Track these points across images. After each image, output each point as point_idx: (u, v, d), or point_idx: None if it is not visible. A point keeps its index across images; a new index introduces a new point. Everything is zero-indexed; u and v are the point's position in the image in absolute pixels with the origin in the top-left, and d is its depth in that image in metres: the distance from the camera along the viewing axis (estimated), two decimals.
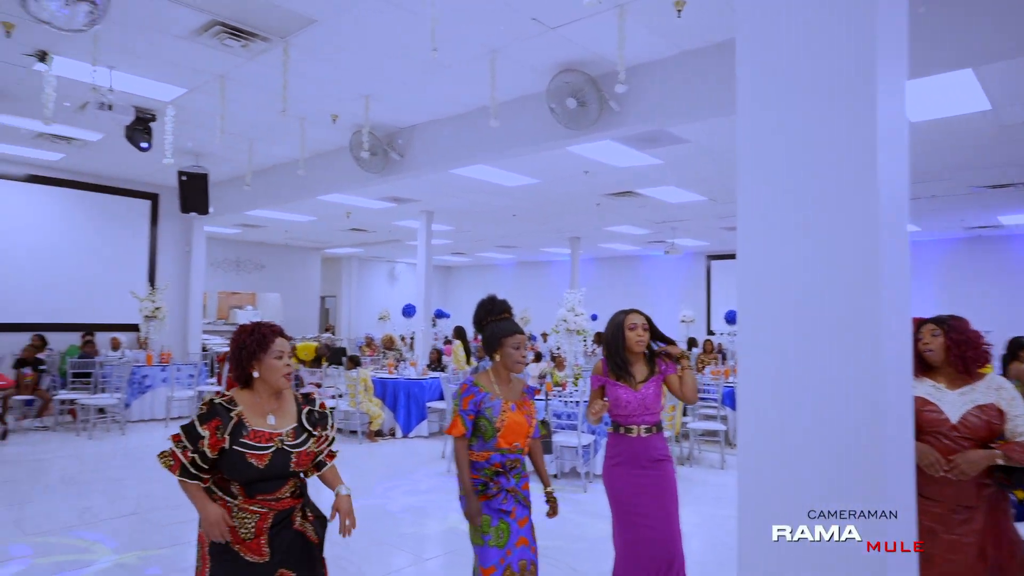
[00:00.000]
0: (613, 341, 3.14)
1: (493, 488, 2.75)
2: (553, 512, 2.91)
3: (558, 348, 9.47)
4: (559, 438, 6.14)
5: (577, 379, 7.49)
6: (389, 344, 14.07)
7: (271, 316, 17.87)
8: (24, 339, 9.32)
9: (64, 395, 8.43)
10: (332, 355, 10.83)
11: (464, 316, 20.79)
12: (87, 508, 5.12)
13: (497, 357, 2.84)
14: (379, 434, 8.33)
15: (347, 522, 2.40)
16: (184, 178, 8.73)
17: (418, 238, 11.61)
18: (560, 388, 7.02)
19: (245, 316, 17.30)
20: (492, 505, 2.72)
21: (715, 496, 5.75)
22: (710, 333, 16.71)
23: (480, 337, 2.96)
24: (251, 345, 2.32)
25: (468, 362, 9.69)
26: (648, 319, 3.18)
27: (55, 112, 5.62)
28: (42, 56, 5.41)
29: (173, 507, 5.12)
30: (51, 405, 8.65)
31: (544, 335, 16.52)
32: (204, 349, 11.68)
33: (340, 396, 8.59)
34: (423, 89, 6.28)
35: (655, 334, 3.20)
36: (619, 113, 5.48)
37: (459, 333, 10.13)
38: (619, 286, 19.19)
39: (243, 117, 7.13)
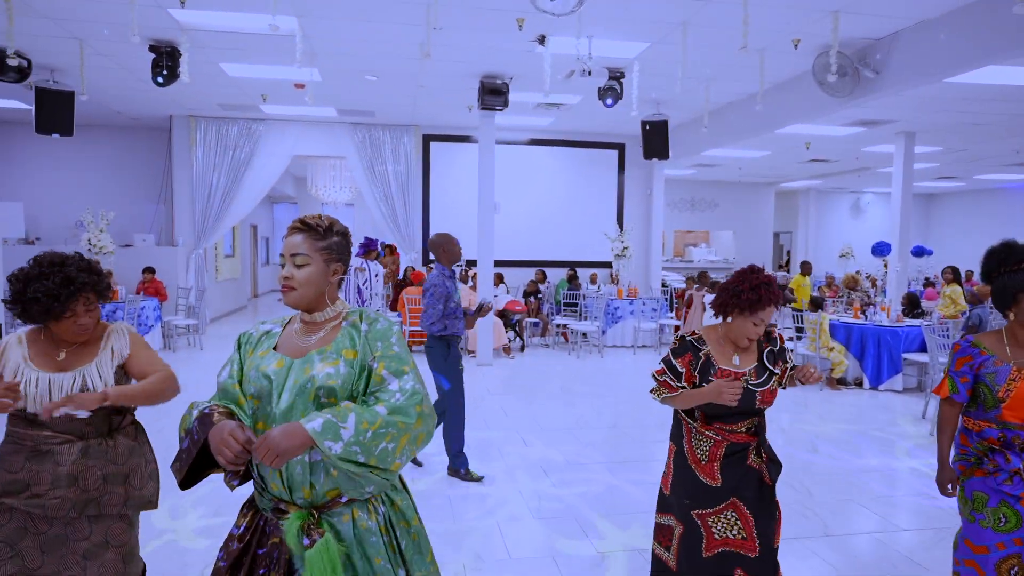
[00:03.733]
0: None
1: (989, 465, 2.33)
2: None
3: None
4: None
5: None
6: (852, 284, 12.85)
7: (724, 253, 18.19)
8: (529, 274, 11.74)
9: (558, 320, 10.34)
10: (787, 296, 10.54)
11: (950, 254, 17.39)
12: (580, 416, 6.25)
13: (1011, 315, 2.35)
14: (841, 382, 7.79)
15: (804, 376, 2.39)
16: (647, 127, 9.45)
17: (893, 164, 10.12)
18: None
19: (699, 253, 18.02)
20: (990, 483, 2.32)
21: None
22: None
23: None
24: (744, 300, 2.36)
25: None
26: None
27: (550, 84, 6.71)
28: (541, 40, 6.50)
29: (642, 426, 5.84)
30: (549, 328, 10.75)
31: None
32: (663, 285, 12.68)
33: (798, 338, 8.30)
34: None
35: None
36: None
37: (956, 274, 8.53)
38: None
39: (701, 60, 7.27)
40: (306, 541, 1.47)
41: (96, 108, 10.03)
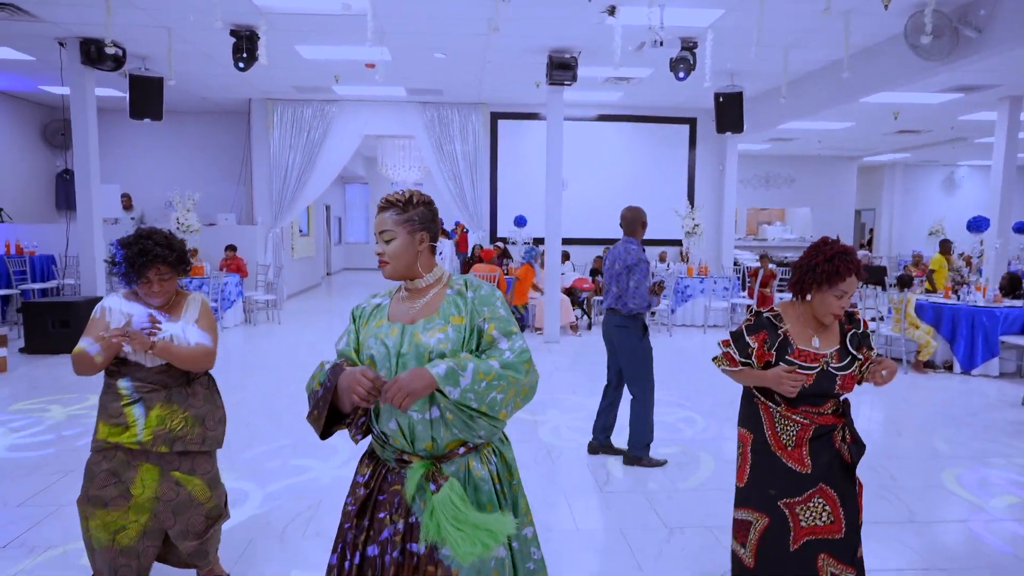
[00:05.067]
0: None
1: None
2: None
3: None
4: None
5: None
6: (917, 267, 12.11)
7: (800, 231, 17.45)
8: (596, 251, 11.61)
9: None
10: (870, 274, 10.01)
11: None
12: None
13: None
14: (929, 365, 7.38)
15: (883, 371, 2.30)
16: (720, 99, 9.13)
17: (995, 132, 9.41)
18: None
19: (774, 232, 17.36)
20: None
21: None
22: None
23: None
24: (821, 274, 2.26)
25: None
26: None
27: (620, 57, 6.56)
28: (611, 11, 6.35)
29: (711, 405, 5.72)
30: None
31: None
32: (735, 264, 12.31)
33: (881, 319, 7.91)
34: None
35: None
36: None
37: None
38: None
39: (779, 26, 6.94)
40: (432, 487, 1.61)
41: (182, 94, 10.51)
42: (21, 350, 7.56)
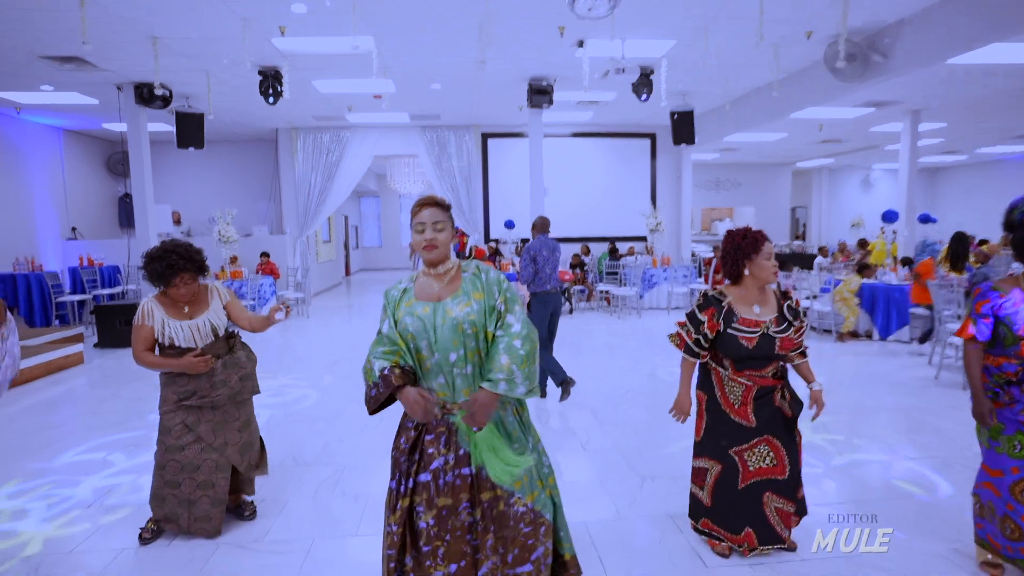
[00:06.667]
0: None
1: (1004, 397, 2.23)
2: None
3: None
4: None
5: None
6: (866, 249, 12.21)
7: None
8: (575, 248, 11.64)
9: (602, 287, 10.25)
10: (802, 261, 10.08)
11: (954, 222, 16.24)
12: (620, 367, 6.24)
13: None
14: (853, 335, 7.48)
15: (816, 409, 2.43)
16: (675, 116, 9.16)
17: (901, 141, 9.50)
18: None
19: (724, 227, 17.44)
20: (1007, 414, 2.22)
21: None
22: None
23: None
24: (745, 247, 2.35)
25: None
26: None
27: (589, 83, 6.57)
28: (580, 44, 6.36)
29: (676, 374, 5.78)
30: (594, 293, 10.67)
31: None
32: (693, 255, 12.37)
33: (815, 297, 8.00)
34: None
35: None
36: None
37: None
38: None
39: (722, 54, 6.97)
40: (475, 428, 1.77)
41: (220, 126, 10.43)
42: (95, 345, 7.57)
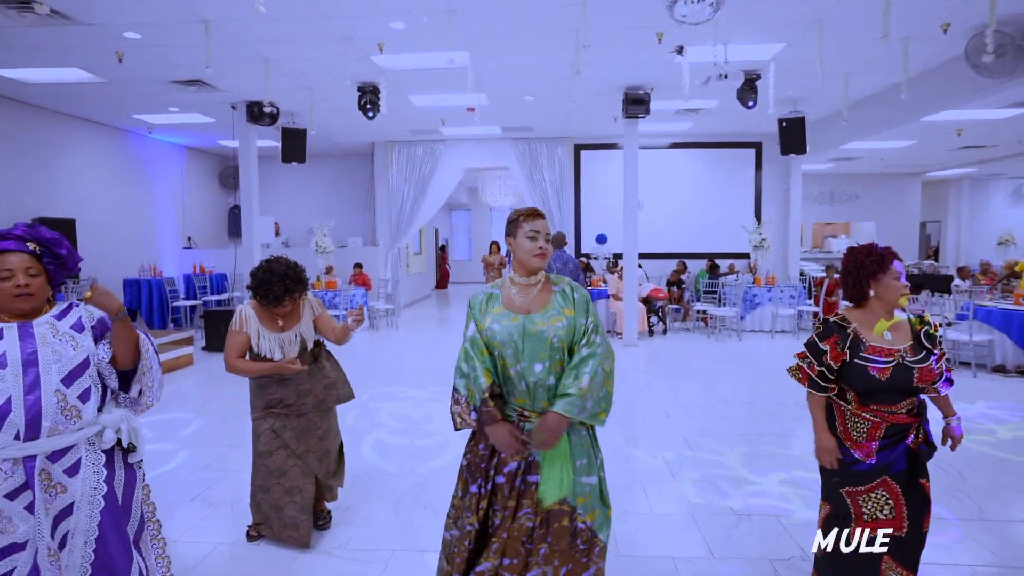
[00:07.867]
0: None
1: None
2: None
3: None
4: None
5: None
6: (1013, 271, 10.85)
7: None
8: (671, 264, 11.30)
9: (698, 306, 9.85)
10: (936, 283, 9.11)
11: None
12: (717, 392, 5.93)
13: None
14: (998, 369, 6.64)
15: (949, 445, 2.20)
16: (784, 124, 8.69)
17: None
18: None
19: (839, 244, 16.23)
20: None
21: None
22: None
23: None
24: (870, 265, 2.14)
25: None
26: None
27: (689, 91, 6.39)
28: (680, 50, 6.21)
29: (777, 403, 5.40)
30: (690, 313, 10.28)
31: None
32: (802, 274, 11.59)
33: (949, 324, 7.21)
34: None
35: None
36: None
37: None
38: None
39: (839, 55, 6.54)
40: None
41: (320, 141, 11.22)
42: (203, 348, 8.29)
